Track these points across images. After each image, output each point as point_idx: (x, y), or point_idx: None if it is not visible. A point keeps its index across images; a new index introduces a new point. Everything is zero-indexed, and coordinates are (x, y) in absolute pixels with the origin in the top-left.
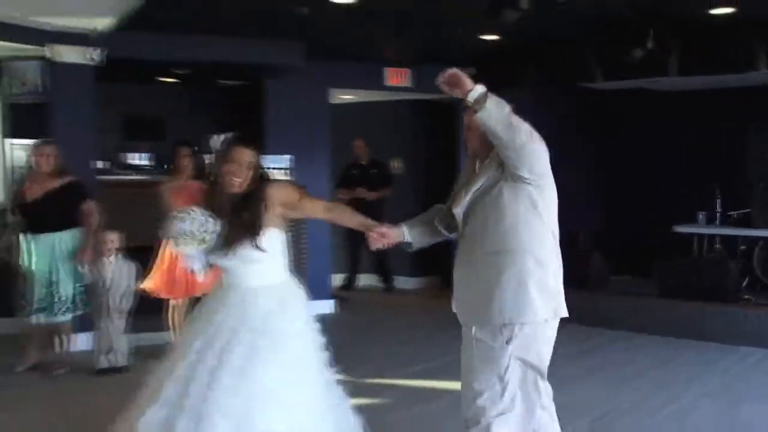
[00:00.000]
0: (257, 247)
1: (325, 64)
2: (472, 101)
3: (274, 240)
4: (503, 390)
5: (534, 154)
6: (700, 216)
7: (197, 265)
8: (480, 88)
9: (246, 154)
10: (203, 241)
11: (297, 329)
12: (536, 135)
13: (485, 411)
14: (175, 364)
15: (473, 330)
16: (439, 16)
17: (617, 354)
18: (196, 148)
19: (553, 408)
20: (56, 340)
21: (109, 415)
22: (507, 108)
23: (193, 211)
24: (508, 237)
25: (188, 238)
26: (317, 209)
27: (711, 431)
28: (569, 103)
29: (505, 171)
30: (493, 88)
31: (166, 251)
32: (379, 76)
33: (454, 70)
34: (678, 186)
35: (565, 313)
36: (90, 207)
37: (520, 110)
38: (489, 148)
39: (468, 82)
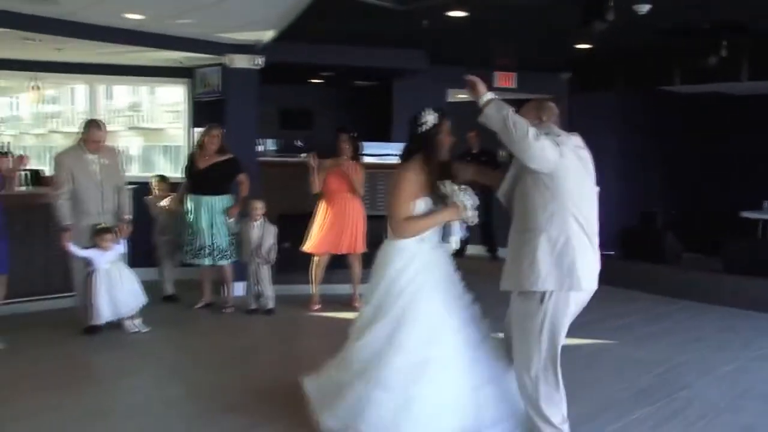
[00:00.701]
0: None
1: (444, 67)
2: (480, 105)
3: None
4: (538, 350)
5: (531, 149)
6: (765, 204)
7: (458, 234)
8: (488, 95)
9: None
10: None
11: None
12: (536, 132)
13: (522, 366)
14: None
15: (513, 295)
16: (540, 28)
17: (685, 321)
18: (354, 134)
19: (559, 375)
20: (222, 286)
21: (259, 345)
22: (505, 112)
23: (470, 190)
24: (529, 218)
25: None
26: None
27: (762, 389)
28: (651, 103)
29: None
30: (586, 89)
31: (317, 217)
32: (489, 79)
33: (473, 78)
34: (746, 176)
35: (581, 288)
36: (243, 177)
37: (608, 109)
38: None
39: (481, 88)
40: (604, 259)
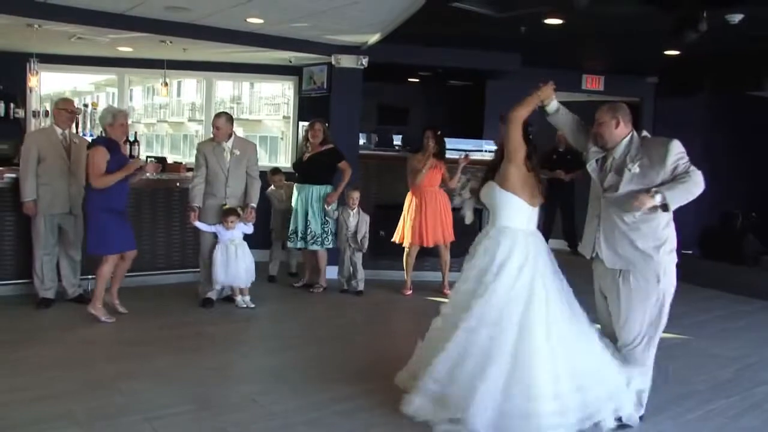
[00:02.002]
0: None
1: (536, 69)
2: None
3: None
4: None
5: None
6: None
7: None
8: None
9: None
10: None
11: None
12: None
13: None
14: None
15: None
16: (631, 35)
17: (762, 320)
18: (439, 132)
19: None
20: (316, 269)
21: (355, 323)
22: (679, 192)
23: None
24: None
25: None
26: None
27: None
28: (737, 108)
29: None
30: (672, 93)
31: (408, 208)
32: (578, 81)
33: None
34: None
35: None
36: (344, 165)
37: (693, 113)
38: (616, 140)
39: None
40: (684, 258)
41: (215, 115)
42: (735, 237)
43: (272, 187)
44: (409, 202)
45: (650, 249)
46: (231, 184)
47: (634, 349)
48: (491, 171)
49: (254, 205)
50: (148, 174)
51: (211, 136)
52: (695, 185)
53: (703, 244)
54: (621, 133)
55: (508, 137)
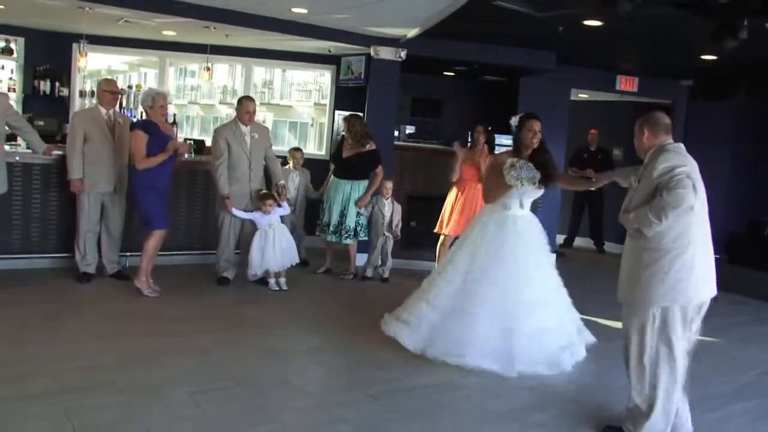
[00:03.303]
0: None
1: (570, 68)
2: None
3: None
4: None
5: (678, 211)
6: None
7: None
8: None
9: (537, 124)
10: (532, 181)
11: None
12: (674, 201)
13: None
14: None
15: None
16: (668, 38)
17: None
18: (490, 128)
19: None
20: (349, 258)
21: (369, 306)
22: (647, 218)
23: (525, 162)
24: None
25: (526, 180)
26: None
27: None
28: None
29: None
30: (706, 97)
31: (449, 198)
32: (612, 81)
33: None
34: None
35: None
36: (379, 170)
37: (726, 118)
38: (645, 151)
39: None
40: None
41: (246, 100)
42: (763, 243)
43: (288, 165)
44: (453, 194)
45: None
46: (254, 168)
47: None
48: None
49: (283, 182)
50: (186, 155)
51: (229, 121)
52: (657, 208)
53: (731, 250)
54: (650, 144)
55: None
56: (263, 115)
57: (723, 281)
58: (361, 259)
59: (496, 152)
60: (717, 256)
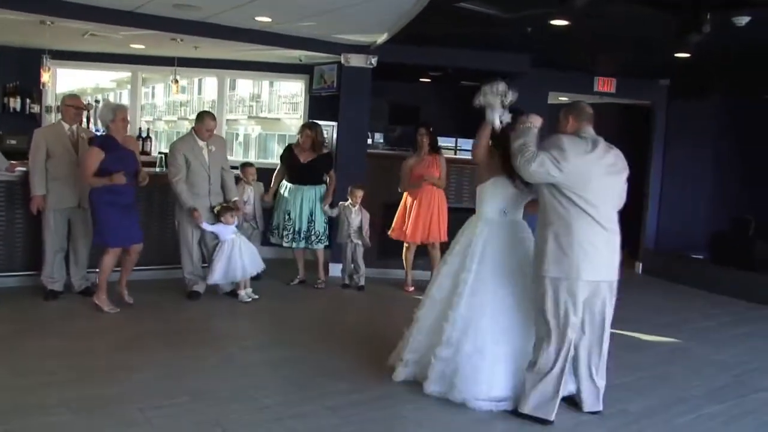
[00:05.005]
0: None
1: (546, 71)
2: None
3: None
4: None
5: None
6: None
7: (495, 117)
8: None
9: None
10: (505, 97)
11: None
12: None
13: None
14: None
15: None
16: (638, 37)
17: (766, 326)
18: (431, 129)
19: None
20: (318, 265)
21: (356, 317)
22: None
23: (501, 82)
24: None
25: (495, 96)
26: None
27: None
28: (750, 112)
29: None
30: (685, 96)
31: (404, 206)
32: (590, 83)
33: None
34: None
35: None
36: (332, 174)
37: (706, 116)
38: None
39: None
40: (693, 262)
41: (207, 117)
42: (746, 243)
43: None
44: (404, 199)
45: None
46: (213, 181)
47: None
48: None
49: (237, 198)
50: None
51: (186, 134)
52: (519, 145)
53: (713, 249)
54: (572, 131)
55: None
56: (251, 128)
57: (705, 281)
58: (335, 269)
59: (439, 153)
60: (700, 256)
